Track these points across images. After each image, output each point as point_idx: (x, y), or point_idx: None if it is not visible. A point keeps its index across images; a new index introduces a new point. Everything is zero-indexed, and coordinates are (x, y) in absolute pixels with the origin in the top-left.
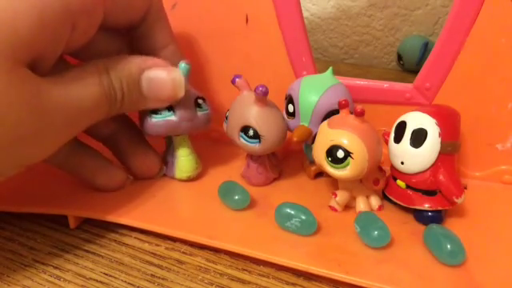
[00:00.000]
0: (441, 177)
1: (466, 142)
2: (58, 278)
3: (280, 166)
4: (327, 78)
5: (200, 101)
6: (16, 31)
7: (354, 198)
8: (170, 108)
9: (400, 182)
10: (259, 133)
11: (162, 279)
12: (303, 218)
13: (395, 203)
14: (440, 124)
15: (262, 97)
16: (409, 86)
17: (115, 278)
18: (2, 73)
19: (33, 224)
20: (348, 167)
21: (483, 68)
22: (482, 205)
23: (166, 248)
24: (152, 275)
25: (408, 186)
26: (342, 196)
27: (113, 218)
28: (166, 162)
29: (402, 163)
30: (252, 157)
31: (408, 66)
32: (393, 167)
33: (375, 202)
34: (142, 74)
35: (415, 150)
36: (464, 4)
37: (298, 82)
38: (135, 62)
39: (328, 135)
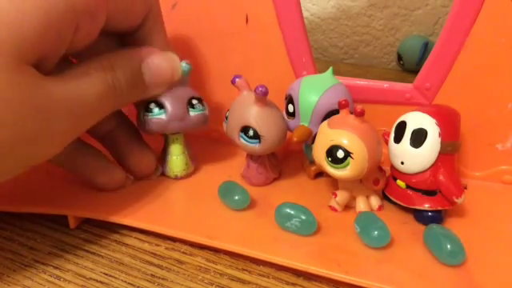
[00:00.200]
0: (441, 177)
1: (466, 142)
2: (58, 278)
3: (280, 166)
4: (327, 78)
5: (194, 101)
6: (22, 32)
7: (354, 198)
8: (162, 107)
9: (400, 182)
10: (259, 133)
11: (162, 279)
12: (303, 217)
13: (395, 203)
14: (440, 124)
15: (262, 97)
16: (409, 85)
17: (115, 278)
18: (7, 72)
19: (33, 224)
20: (348, 167)
21: (483, 68)
22: (482, 205)
23: (166, 248)
24: (152, 275)
25: (408, 186)
26: (341, 196)
27: (113, 218)
28: (162, 160)
29: (402, 163)
30: (252, 157)
31: (408, 66)
32: (393, 167)
33: (375, 202)
34: (142, 63)
35: (415, 150)
36: (464, 4)
37: (298, 82)
38: (135, 54)
39: (328, 135)
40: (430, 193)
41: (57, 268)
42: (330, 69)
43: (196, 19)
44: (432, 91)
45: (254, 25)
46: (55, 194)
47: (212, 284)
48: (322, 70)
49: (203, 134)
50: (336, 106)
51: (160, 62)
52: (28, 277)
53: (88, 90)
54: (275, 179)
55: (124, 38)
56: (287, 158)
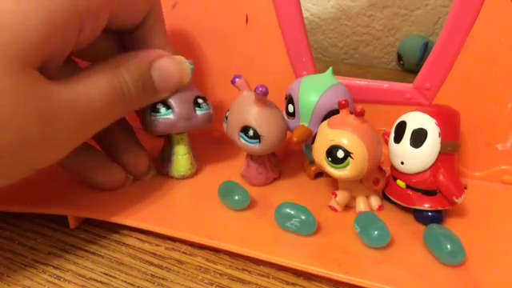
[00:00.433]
0: (441, 177)
1: (466, 142)
2: (58, 277)
3: (280, 166)
4: (327, 78)
5: (200, 100)
6: (26, 34)
7: (354, 198)
8: (169, 107)
9: (400, 182)
10: (259, 133)
11: (162, 279)
12: (303, 218)
13: (395, 203)
14: (440, 124)
15: (262, 97)
16: (409, 85)
17: (115, 278)
18: (12, 76)
19: (33, 224)
20: (348, 167)
21: (483, 68)
22: (482, 205)
23: (166, 248)
24: (152, 275)
25: (408, 186)
26: (341, 196)
27: (113, 218)
28: (163, 160)
29: (402, 163)
30: (252, 157)
31: (408, 66)
32: (393, 167)
33: (375, 202)
34: (152, 68)
35: (415, 150)
36: (464, 4)
37: (298, 82)
38: (143, 57)
39: (328, 135)
40: (430, 193)
41: (57, 268)
42: (330, 69)
43: (196, 19)
44: (432, 91)
45: (254, 25)
46: (55, 194)
47: (212, 284)
48: (322, 70)
49: (203, 134)
50: (336, 106)
51: (169, 66)
52: (28, 277)
53: (94, 94)
54: (275, 179)
55: (124, 36)
56: (287, 158)
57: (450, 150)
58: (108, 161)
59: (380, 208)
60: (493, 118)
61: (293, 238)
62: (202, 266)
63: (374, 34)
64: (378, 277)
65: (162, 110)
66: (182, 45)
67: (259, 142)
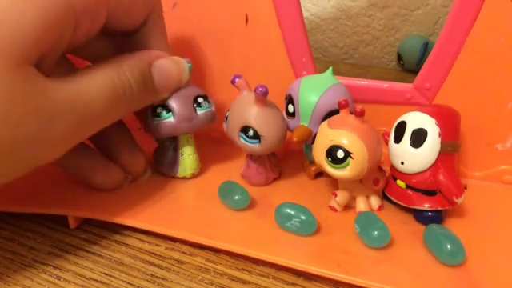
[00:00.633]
0: (441, 177)
1: (466, 142)
2: (58, 277)
3: (280, 166)
4: (327, 78)
5: (200, 99)
6: (23, 31)
7: (354, 198)
8: (169, 110)
9: (400, 182)
10: (259, 133)
11: (162, 279)
12: (303, 218)
13: (395, 203)
14: (440, 124)
15: (262, 97)
16: (409, 85)
17: (115, 277)
18: (9, 72)
19: (33, 224)
20: (348, 167)
21: (483, 68)
22: (482, 205)
23: (166, 248)
24: (152, 275)
25: (408, 186)
26: (342, 196)
27: (113, 218)
28: (162, 162)
29: (402, 163)
30: (252, 157)
31: (408, 66)
32: (393, 167)
33: (375, 202)
34: (152, 67)
35: (415, 150)
36: (464, 4)
37: (298, 81)
38: (144, 57)
39: (328, 135)
40: (430, 193)
41: (57, 268)
42: (330, 69)
43: (196, 19)
44: (432, 91)
45: (254, 25)
46: (55, 194)
47: (212, 284)
48: (322, 70)
49: (203, 134)
50: (336, 106)
51: (168, 65)
52: (28, 277)
53: (95, 92)
54: (275, 179)
55: (125, 39)
56: (287, 158)
57: (450, 150)
58: (106, 161)
59: (380, 208)
60: (493, 118)
61: (293, 238)
62: (202, 266)
63: (374, 34)
64: (377, 277)
65: (163, 113)
66: (182, 45)
67: (259, 142)
